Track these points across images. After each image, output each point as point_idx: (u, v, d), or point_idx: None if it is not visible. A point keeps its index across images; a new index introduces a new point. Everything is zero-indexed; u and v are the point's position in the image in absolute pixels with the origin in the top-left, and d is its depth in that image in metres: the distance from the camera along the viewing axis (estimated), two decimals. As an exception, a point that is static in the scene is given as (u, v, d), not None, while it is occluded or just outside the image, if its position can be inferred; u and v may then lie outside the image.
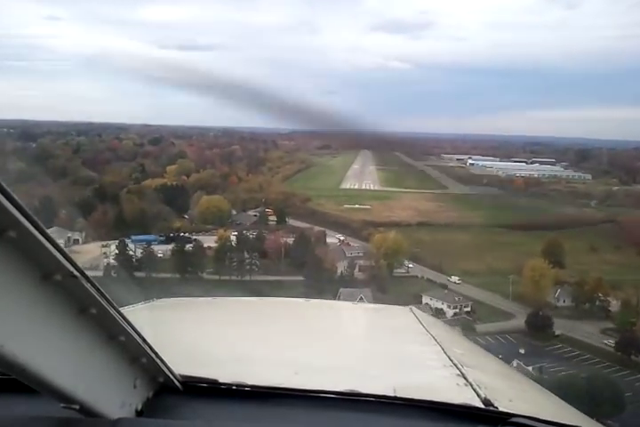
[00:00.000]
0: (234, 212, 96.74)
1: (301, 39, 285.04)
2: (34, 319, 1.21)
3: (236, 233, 79.93)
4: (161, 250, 74.91)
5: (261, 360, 2.30)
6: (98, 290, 1.36)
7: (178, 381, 1.90)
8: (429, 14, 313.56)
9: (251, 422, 1.81)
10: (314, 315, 3.68)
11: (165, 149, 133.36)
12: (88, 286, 1.32)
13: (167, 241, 77.69)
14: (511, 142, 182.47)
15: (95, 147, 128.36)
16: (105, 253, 72.25)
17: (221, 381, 1.93)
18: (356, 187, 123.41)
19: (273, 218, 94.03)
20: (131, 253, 72.48)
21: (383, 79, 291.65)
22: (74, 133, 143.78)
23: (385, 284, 71.12)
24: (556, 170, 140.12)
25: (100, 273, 58.43)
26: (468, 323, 64.74)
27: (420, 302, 69.55)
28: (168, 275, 70.11)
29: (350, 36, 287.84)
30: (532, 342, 61.94)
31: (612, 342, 60.76)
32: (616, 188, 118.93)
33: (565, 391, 33.74)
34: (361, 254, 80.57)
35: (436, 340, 2.78)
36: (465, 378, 2.12)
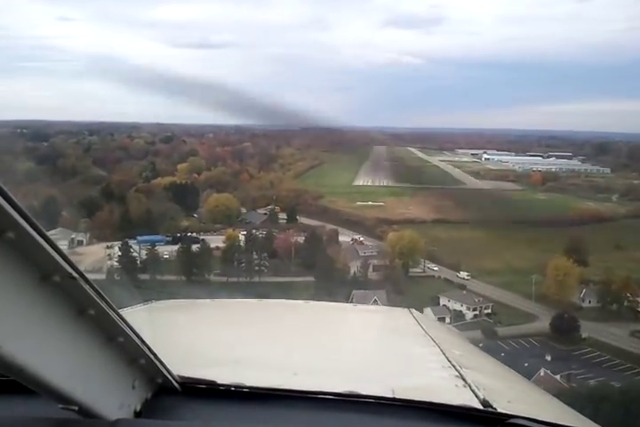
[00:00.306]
0: (244, 210, 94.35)
1: (314, 36, 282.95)
2: (32, 320, 1.21)
3: (245, 232, 77.39)
4: (167, 251, 72.46)
5: (260, 361, 2.28)
6: (96, 291, 1.37)
7: (176, 382, 1.89)
8: (440, 8, 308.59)
9: (249, 424, 1.83)
10: (312, 316, 3.68)
11: (177, 147, 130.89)
12: (87, 287, 1.33)
13: (174, 241, 75.13)
14: (526, 137, 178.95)
15: (106, 146, 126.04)
16: (109, 254, 70.15)
17: (220, 382, 1.92)
18: (370, 183, 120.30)
19: (284, 216, 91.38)
20: (135, 254, 70.16)
21: (396, 75, 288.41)
22: (86, 133, 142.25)
23: (400, 284, 68.21)
24: (574, 164, 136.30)
25: (102, 275, 56.31)
26: (488, 326, 61.91)
27: (438, 304, 66.78)
28: (173, 277, 67.75)
29: (362, 32, 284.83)
30: (557, 347, 58.61)
31: (642, 345, 57.53)
32: (637, 181, 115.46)
33: (597, 405, 30.87)
34: (375, 254, 77.68)
35: (434, 341, 2.76)
36: (464, 379, 2.11)
